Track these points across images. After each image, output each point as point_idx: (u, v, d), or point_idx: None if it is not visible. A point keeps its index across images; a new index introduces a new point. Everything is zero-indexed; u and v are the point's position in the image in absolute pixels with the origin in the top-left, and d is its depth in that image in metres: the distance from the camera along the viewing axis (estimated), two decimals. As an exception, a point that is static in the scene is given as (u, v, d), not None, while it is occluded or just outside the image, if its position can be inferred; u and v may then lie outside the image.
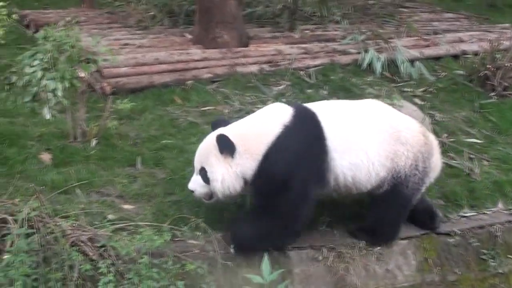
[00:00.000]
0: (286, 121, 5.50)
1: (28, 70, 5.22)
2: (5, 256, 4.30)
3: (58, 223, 4.89)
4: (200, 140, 6.40)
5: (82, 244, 4.94)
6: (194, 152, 6.47)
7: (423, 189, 5.93)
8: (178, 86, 8.56)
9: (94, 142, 6.85)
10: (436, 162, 5.94)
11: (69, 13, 10.37)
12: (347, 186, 5.65)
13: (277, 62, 9.33)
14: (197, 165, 5.65)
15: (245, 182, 5.52)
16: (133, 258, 4.78)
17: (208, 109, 8.07)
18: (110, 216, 5.61)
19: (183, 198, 6.05)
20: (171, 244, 5.08)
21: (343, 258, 5.81)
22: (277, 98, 8.33)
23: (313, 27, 11.16)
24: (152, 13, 10.58)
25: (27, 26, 9.90)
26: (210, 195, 5.62)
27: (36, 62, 5.26)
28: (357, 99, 8.25)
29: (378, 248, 5.94)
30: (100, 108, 7.58)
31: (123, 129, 7.31)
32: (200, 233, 5.36)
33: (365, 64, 9.51)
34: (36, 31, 9.63)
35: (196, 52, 9.34)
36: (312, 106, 5.77)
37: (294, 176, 5.42)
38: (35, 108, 5.16)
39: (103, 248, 4.90)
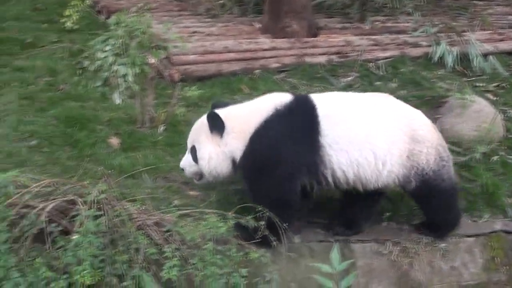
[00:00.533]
0: (279, 107, 5.43)
1: (100, 55, 5.29)
2: (74, 237, 4.37)
3: (125, 207, 4.95)
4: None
5: (148, 228, 4.99)
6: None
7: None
8: (245, 75, 8.56)
9: (161, 128, 6.91)
10: None
11: (140, 0, 10.45)
12: (349, 182, 5.51)
13: (346, 53, 9.25)
14: (189, 143, 5.70)
15: (234, 164, 5.49)
16: (198, 244, 4.81)
17: (276, 99, 8.04)
18: (176, 202, 5.65)
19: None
20: (235, 232, 5.09)
21: (408, 253, 5.74)
22: (345, 89, 8.26)
23: (383, 19, 11.01)
24: (221, 1, 10.60)
25: (99, 12, 10.03)
26: (200, 175, 5.64)
27: (108, 48, 5.33)
28: (427, 92, 8.20)
29: (444, 244, 5.85)
30: (168, 95, 7.65)
31: (190, 116, 7.33)
32: (264, 222, 5.34)
33: (436, 57, 9.34)
34: (108, 17, 9.74)
35: (264, 41, 9.32)
36: (317, 97, 5.63)
37: (278, 161, 5.33)
38: (106, 93, 5.23)
39: (168, 233, 4.94)
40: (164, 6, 10.53)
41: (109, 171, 5.18)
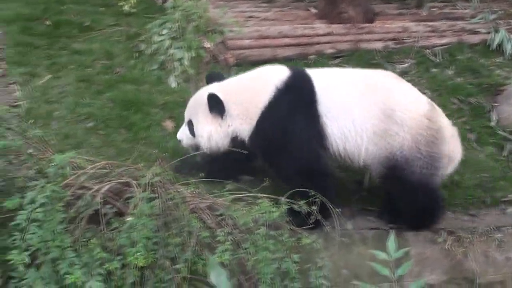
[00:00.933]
0: (280, 85, 5.57)
1: (156, 38, 5.32)
2: (129, 219, 4.41)
3: (178, 190, 4.97)
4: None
5: (201, 211, 5.02)
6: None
7: (438, 175, 5.61)
8: (300, 60, 8.54)
9: (216, 112, 6.91)
10: (452, 150, 5.64)
11: (196, -15, 10.49)
12: (341, 156, 5.60)
13: (403, 39, 9.15)
14: (186, 116, 5.84)
15: (236, 140, 5.71)
16: (250, 228, 4.81)
17: (330, 85, 8.00)
18: (229, 186, 5.66)
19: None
20: (287, 217, 5.08)
21: (462, 243, 5.67)
22: (401, 76, 8.16)
23: (441, 5, 10.84)
24: (277, -14, 10.56)
25: (156, -4, 10.10)
26: (197, 147, 5.80)
27: (164, 31, 5.36)
28: (485, 80, 8.06)
29: (499, 235, 5.76)
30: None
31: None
32: (317, 208, 5.33)
33: (494, 45, 9.17)
34: (165, 1, 9.79)
35: (320, 27, 9.27)
36: (312, 71, 5.76)
37: (291, 138, 5.51)
38: (161, 76, 5.26)
39: (221, 217, 4.96)
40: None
41: (163, 154, 5.21)
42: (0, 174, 4.40)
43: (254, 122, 5.60)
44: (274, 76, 5.64)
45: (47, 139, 5.27)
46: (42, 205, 4.12)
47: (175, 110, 6.93)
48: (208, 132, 5.73)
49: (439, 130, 5.55)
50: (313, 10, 10.01)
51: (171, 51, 5.30)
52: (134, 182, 4.88)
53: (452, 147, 5.65)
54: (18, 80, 7.57)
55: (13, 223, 4.12)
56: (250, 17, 9.34)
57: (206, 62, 6.68)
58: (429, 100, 5.75)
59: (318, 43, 8.87)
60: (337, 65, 8.48)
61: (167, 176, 4.97)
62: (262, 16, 9.49)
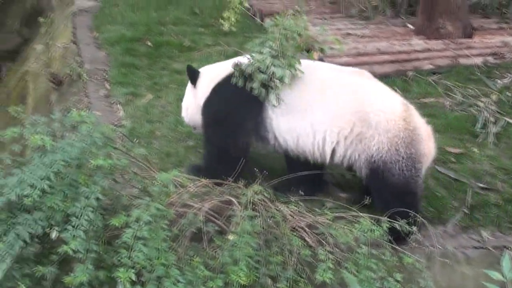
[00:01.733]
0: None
1: (257, 57, 5.37)
2: (231, 237, 4.47)
3: (279, 208, 5.01)
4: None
5: (301, 230, 5.03)
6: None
7: (419, 175, 5.50)
8: (398, 77, 8.47)
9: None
10: (427, 148, 5.56)
11: (292, 2, 10.54)
12: (292, 151, 5.67)
13: (503, 54, 8.96)
14: None
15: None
16: (351, 247, 4.80)
17: (429, 101, 7.92)
18: (328, 204, 5.67)
19: (401, 191, 5.97)
20: (388, 236, 5.04)
21: None
22: (502, 92, 8.01)
23: (543, 18, 10.58)
24: (374, 3, 10.52)
25: (254, 15, 10.21)
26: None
27: (265, 50, 5.41)
28: None
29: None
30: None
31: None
32: (418, 227, 5.27)
33: None
34: (262, 19, 9.91)
35: (418, 43, 9.19)
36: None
37: (226, 116, 5.74)
38: (263, 94, 5.31)
39: (321, 235, 4.96)
40: (317, 8, 10.58)
41: (263, 172, 5.25)
42: (106, 192, 4.51)
43: (207, 95, 5.92)
44: (242, 61, 5.79)
45: (150, 157, 5.39)
46: (147, 223, 4.21)
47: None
48: (186, 104, 6.23)
49: (415, 130, 5.47)
50: (411, 27, 9.93)
51: (272, 69, 5.34)
52: (235, 200, 4.95)
53: (426, 146, 5.57)
54: (121, 100, 7.78)
55: (119, 240, 4.23)
56: (348, 34, 9.34)
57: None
58: (403, 100, 5.65)
59: (416, 59, 8.80)
60: (436, 81, 8.37)
61: (267, 194, 5.01)
62: (359, 33, 9.48)
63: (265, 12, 10.13)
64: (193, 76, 6.05)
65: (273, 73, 5.40)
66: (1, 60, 14.09)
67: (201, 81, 6.03)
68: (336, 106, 5.46)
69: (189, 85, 6.15)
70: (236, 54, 8.15)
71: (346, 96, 5.48)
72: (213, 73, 6.00)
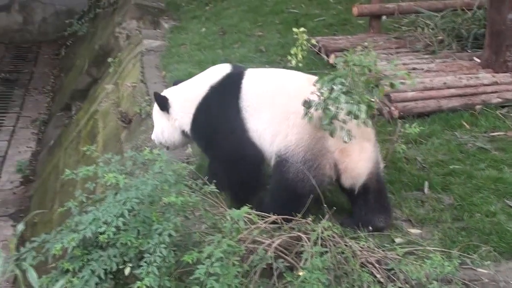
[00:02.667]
0: (214, 83, 6.16)
1: (326, 93, 5.43)
2: (301, 273, 4.49)
3: (348, 243, 5.02)
4: (488, 166, 6.39)
5: (370, 265, 5.03)
6: (483, 178, 6.40)
7: (311, 187, 5.60)
8: (466, 111, 8.41)
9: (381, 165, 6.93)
10: (345, 162, 5.73)
11: (357, 39, 10.60)
12: (266, 152, 5.94)
13: None
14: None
15: (185, 134, 6.40)
16: (422, 283, 4.77)
17: (498, 135, 7.83)
18: (397, 240, 5.65)
19: (472, 225, 5.92)
20: (459, 271, 4.99)
21: None
22: None
23: None
24: (440, 37, 10.48)
25: (318, 52, 10.28)
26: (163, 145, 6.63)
27: (334, 86, 5.45)
28: None
29: None
30: (388, 132, 7.69)
31: (410, 153, 7.33)
32: (490, 262, 5.21)
33: None
34: (327, 56, 9.98)
35: (485, 76, 9.11)
36: (249, 70, 6.25)
37: (217, 129, 6.07)
38: (333, 130, 5.35)
39: (391, 271, 4.94)
40: (382, 43, 10.60)
41: (332, 208, 5.28)
42: (178, 229, 4.59)
43: (191, 116, 6.24)
44: (213, 75, 6.24)
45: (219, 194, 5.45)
46: (219, 259, 4.27)
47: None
48: (160, 128, 6.53)
49: (320, 140, 5.66)
50: (477, 60, 9.85)
51: (343, 105, 5.39)
52: (305, 236, 4.97)
53: (342, 161, 5.72)
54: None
55: (191, 277, 4.29)
56: (413, 69, 9.32)
57: (372, 115, 6.72)
58: None
59: (483, 93, 8.72)
60: (505, 114, 8.29)
61: (337, 230, 5.03)
62: (425, 67, 9.45)
63: (330, 49, 10.19)
64: (163, 103, 6.39)
65: (343, 109, 5.44)
66: (71, 99, 14.50)
67: (174, 104, 6.38)
68: (276, 108, 5.86)
69: (157, 111, 6.53)
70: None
71: (287, 100, 5.86)
72: (187, 95, 6.36)
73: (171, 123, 6.44)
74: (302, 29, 6.64)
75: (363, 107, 5.45)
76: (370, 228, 5.73)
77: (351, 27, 12.04)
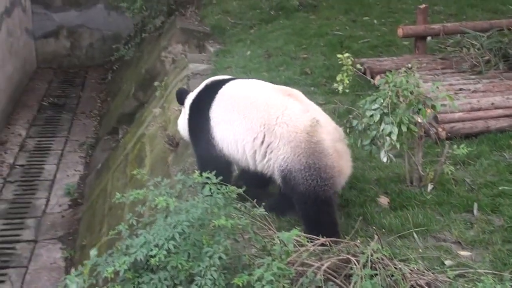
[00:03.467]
0: (201, 88, 6.99)
1: (368, 114, 5.45)
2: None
3: (397, 266, 4.99)
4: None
5: (420, 288, 5.00)
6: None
7: (327, 185, 5.95)
8: (515, 131, 8.35)
9: (430, 187, 6.90)
10: (335, 162, 6.01)
11: (402, 60, 10.57)
12: (229, 158, 6.53)
13: None
14: None
15: None
16: (475, 305, 4.73)
17: (548, 155, 7.76)
18: (447, 262, 5.61)
19: (524, 247, 5.86)
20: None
21: None
22: None
23: None
24: (486, 57, 10.38)
25: (364, 74, 10.26)
26: None
27: (376, 107, 5.47)
28: None
29: None
30: (435, 153, 7.65)
31: (459, 174, 7.28)
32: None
33: None
34: (372, 78, 9.97)
35: (533, 96, 9.02)
36: (233, 80, 6.90)
37: (194, 129, 6.89)
38: (373, 151, 5.36)
39: (442, 294, 4.91)
40: (427, 65, 10.54)
41: (380, 230, 5.27)
42: (228, 252, 4.62)
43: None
44: (207, 82, 7.04)
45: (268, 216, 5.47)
46: (269, 282, 4.29)
47: (389, 185, 6.99)
48: (179, 120, 7.30)
49: (318, 143, 5.93)
50: (525, 80, 9.76)
51: (383, 126, 5.40)
52: (353, 258, 4.96)
53: (339, 162, 6.04)
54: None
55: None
56: (460, 89, 9.27)
57: (419, 137, 6.72)
58: (316, 118, 6.05)
59: (532, 113, 8.64)
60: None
61: (385, 252, 5.01)
62: (472, 88, 9.38)
63: (376, 70, 10.18)
64: (180, 99, 7.26)
65: (383, 130, 5.45)
66: (118, 123, 14.67)
67: (185, 102, 7.16)
68: (253, 120, 6.24)
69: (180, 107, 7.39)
70: (348, 112, 8.26)
71: (259, 112, 6.22)
72: (191, 94, 7.13)
73: (184, 117, 7.16)
74: (347, 54, 6.67)
75: (395, 129, 5.45)
76: None
77: (396, 48, 12.01)
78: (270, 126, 6.10)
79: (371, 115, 5.57)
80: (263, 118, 6.16)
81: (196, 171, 5.63)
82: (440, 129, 8.15)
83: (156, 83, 11.69)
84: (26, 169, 14.19)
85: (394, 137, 5.50)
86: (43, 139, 15.64)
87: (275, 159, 6.09)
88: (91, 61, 20.39)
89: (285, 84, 10.08)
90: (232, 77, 7.39)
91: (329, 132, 6.09)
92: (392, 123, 5.62)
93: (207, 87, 6.93)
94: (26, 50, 19.20)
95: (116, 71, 18.06)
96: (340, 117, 8.76)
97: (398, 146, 6.08)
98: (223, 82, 6.80)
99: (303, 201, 6.00)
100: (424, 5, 11.45)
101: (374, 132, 5.54)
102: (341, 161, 6.09)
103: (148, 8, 15.59)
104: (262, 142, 6.16)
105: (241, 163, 6.46)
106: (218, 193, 4.83)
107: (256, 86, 6.69)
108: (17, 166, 14.28)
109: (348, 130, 5.74)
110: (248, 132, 6.24)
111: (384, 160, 5.50)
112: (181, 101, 7.24)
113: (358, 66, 6.75)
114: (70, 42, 20.33)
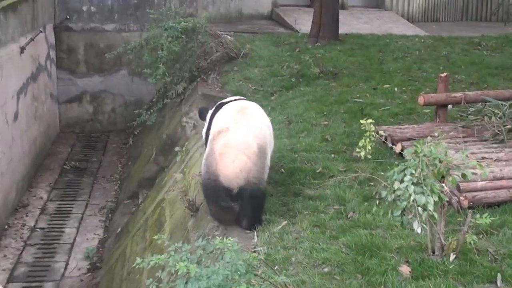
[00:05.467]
0: (213, 107, 9.02)
1: (396, 184, 5.43)
2: None
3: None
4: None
5: None
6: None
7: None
8: (539, 201, 8.27)
9: (452, 256, 6.81)
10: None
11: (424, 128, 10.58)
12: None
13: None
14: None
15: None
16: None
17: None
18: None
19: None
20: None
21: None
22: None
23: None
24: (508, 126, 10.36)
25: (384, 141, 10.27)
26: None
27: (406, 178, 5.45)
28: None
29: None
30: (457, 222, 7.58)
31: (481, 244, 7.18)
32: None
33: None
34: (393, 145, 9.96)
35: (556, 165, 8.96)
36: (236, 101, 8.98)
37: (207, 138, 8.68)
38: (404, 222, 5.33)
39: None
40: (448, 133, 10.53)
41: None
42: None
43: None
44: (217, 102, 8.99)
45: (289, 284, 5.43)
46: None
47: (411, 254, 6.91)
48: (203, 132, 9.14)
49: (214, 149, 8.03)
50: (548, 149, 9.71)
51: (413, 196, 5.37)
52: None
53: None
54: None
55: None
56: (482, 158, 9.23)
57: (441, 205, 6.67)
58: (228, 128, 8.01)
59: (555, 182, 8.56)
60: None
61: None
62: (494, 157, 9.35)
63: (397, 138, 10.17)
64: (201, 113, 9.45)
65: (414, 200, 5.42)
66: (138, 187, 14.73)
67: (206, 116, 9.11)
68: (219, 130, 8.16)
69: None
70: (369, 180, 8.26)
71: (231, 121, 8.19)
72: (209, 110, 9.03)
73: (204, 128, 9.01)
74: (369, 120, 6.69)
75: (431, 199, 5.42)
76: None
77: (416, 116, 12.03)
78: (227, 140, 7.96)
79: (405, 186, 5.54)
80: (225, 130, 8.01)
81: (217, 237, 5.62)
82: (462, 198, 8.10)
83: (177, 148, 11.72)
84: (46, 232, 14.24)
85: (430, 207, 5.46)
86: (64, 203, 15.73)
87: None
88: (113, 126, 20.59)
89: (306, 150, 10.19)
90: (237, 98, 9.52)
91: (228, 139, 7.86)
92: (423, 193, 5.59)
93: (216, 105, 8.87)
94: (50, 115, 19.46)
95: (137, 135, 18.21)
96: (361, 184, 8.76)
97: (436, 216, 6.01)
98: (226, 102, 8.89)
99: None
100: (445, 74, 11.51)
101: (405, 203, 5.50)
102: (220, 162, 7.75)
103: (171, 75, 15.79)
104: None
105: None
106: (239, 260, 4.80)
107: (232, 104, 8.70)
108: (38, 229, 14.35)
109: (377, 201, 5.70)
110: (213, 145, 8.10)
111: (418, 230, 5.47)
112: (202, 117, 9.23)
113: (381, 132, 6.75)
114: (93, 107, 20.58)
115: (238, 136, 7.78)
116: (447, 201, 7.16)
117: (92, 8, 20.21)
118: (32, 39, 16.97)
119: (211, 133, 8.14)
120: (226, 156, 7.69)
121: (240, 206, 7.79)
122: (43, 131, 18.33)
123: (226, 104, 8.67)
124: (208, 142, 8.12)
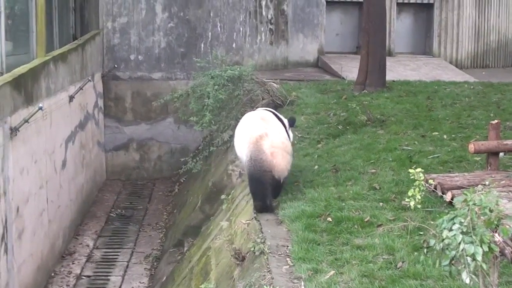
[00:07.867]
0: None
1: (446, 233, 5.26)
2: None
3: None
4: None
5: None
6: None
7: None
8: None
9: (507, 308, 6.58)
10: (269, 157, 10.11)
11: (474, 176, 10.36)
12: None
13: None
14: None
15: None
16: None
17: None
18: None
19: None
20: None
21: None
22: None
23: None
24: (562, 173, 10.15)
25: (434, 189, 10.07)
26: None
27: (455, 226, 5.29)
28: None
29: None
30: (511, 273, 7.34)
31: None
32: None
33: None
34: (443, 193, 9.76)
35: None
36: (263, 111, 11.49)
37: None
38: (453, 272, 5.15)
39: None
40: (500, 181, 10.28)
41: None
42: None
43: None
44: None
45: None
46: None
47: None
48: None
49: (260, 147, 10.13)
50: None
51: (462, 246, 5.19)
52: None
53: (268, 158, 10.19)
54: (303, 276, 7.77)
55: None
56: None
57: (494, 256, 6.45)
58: (268, 134, 10.23)
59: None
60: None
61: None
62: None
63: (447, 186, 9.96)
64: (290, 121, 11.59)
65: (463, 250, 5.23)
66: (184, 235, 14.69)
67: None
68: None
69: None
70: (418, 229, 8.07)
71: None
72: None
73: None
74: (418, 169, 6.53)
75: (480, 249, 5.23)
76: None
77: (467, 164, 11.80)
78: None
79: (453, 235, 5.37)
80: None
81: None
82: (515, 248, 7.85)
83: (223, 196, 11.72)
84: (92, 280, 14.26)
85: (479, 257, 5.28)
86: (110, 250, 15.76)
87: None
88: (159, 174, 20.69)
89: (353, 199, 10.05)
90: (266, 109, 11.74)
91: (271, 142, 10.11)
92: (472, 242, 5.42)
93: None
94: (97, 162, 19.64)
95: (183, 183, 18.24)
96: (410, 234, 8.56)
97: (485, 267, 5.82)
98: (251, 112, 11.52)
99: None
100: (496, 121, 11.30)
101: (454, 252, 5.33)
102: (274, 159, 10.06)
103: (217, 122, 15.84)
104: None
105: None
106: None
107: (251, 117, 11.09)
108: (84, 277, 14.37)
109: (425, 250, 5.54)
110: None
111: (467, 281, 5.28)
112: None
113: (430, 181, 6.57)
114: (140, 154, 20.73)
115: (278, 138, 10.28)
116: (500, 252, 6.95)
117: (139, 57, 20.50)
118: (80, 88, 17.22)
119: (247, 137, 10.28)
120: (277, 155, 10.06)
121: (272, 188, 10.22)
122: (90, 178, 18.49)
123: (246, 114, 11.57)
124: (248, 144, 10.19)
